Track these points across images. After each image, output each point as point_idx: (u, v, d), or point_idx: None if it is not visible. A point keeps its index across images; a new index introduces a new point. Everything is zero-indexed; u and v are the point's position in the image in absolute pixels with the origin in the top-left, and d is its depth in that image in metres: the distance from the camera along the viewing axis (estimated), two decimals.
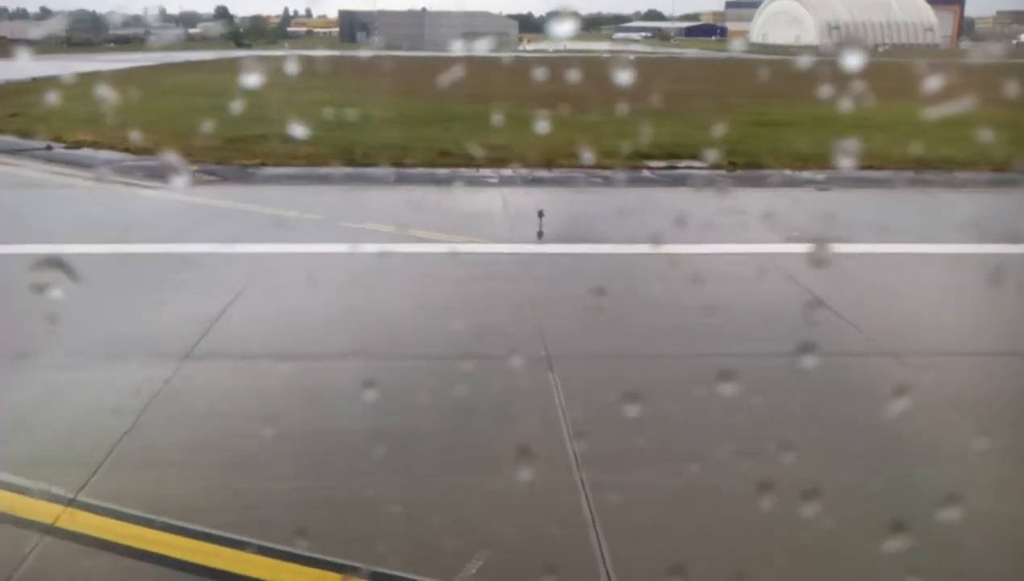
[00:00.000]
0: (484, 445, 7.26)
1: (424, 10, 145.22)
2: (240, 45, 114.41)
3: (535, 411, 7.79)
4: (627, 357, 9.19)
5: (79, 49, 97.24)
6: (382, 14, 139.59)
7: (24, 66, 48.83)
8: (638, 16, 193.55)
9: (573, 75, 39.02)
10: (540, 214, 15.02)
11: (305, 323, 9.99)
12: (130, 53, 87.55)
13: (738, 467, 6.66)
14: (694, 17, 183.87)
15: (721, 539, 6.02)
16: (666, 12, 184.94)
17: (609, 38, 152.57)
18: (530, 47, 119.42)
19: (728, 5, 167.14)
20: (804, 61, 59.55)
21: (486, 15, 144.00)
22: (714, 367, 8.20)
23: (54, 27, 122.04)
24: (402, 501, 6.27)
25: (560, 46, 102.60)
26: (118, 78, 47.75)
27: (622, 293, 11.41)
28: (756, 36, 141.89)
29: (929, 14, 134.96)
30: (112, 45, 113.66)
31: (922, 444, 7.35)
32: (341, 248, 13.04)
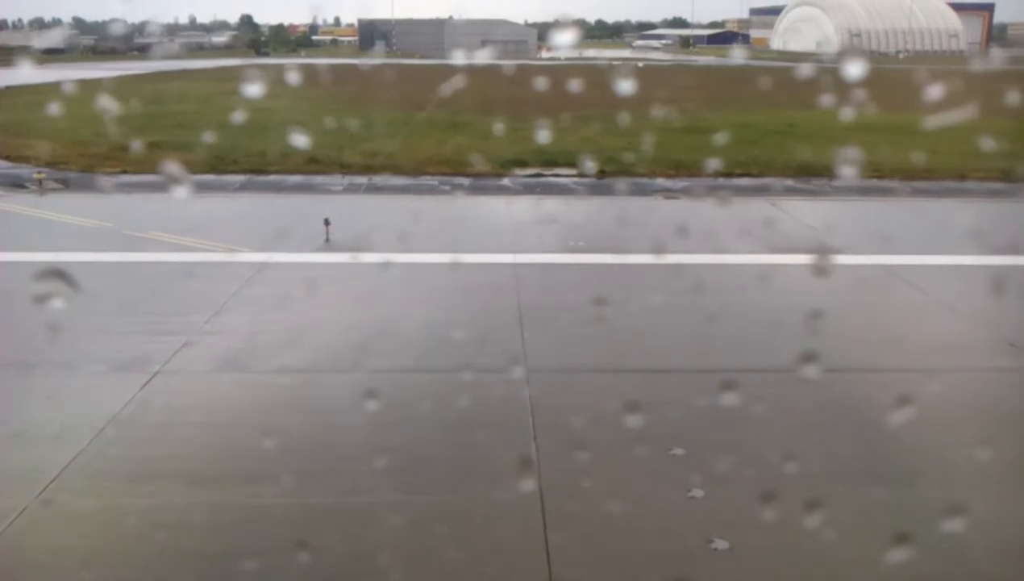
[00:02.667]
0: None
1: (451, 17, 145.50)
2: (259, 53, 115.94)
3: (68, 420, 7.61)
4: (252, 372, 8.94)
5: (101, 57, 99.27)
6: (400, 23, 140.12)
7: (16, 74, 49.91)
8: (665, 23, 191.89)
9: (548, 83, 38.65)
10: (326, 222, 14.88)
11: None
12: (144, 62, 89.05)
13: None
14: (719, 25, 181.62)
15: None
16: (692, 20, 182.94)
17: (629, 46, 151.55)
18: (547, 55, 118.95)
19: (752, 12, 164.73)
20: (802, 69, 58.34)
21: (505, 23, 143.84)
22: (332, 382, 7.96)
23: (78, 37, 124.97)
24: None
25: (576, 54, 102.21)
26: (91, 87, 48.28)
27: (322, 302, 11.19)
28: (777, 43, 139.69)
29: (954, 20, 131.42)
30: (135, 54, 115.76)
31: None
32: (86, 257, 13.00)
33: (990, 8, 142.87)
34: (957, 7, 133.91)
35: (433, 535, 6.16)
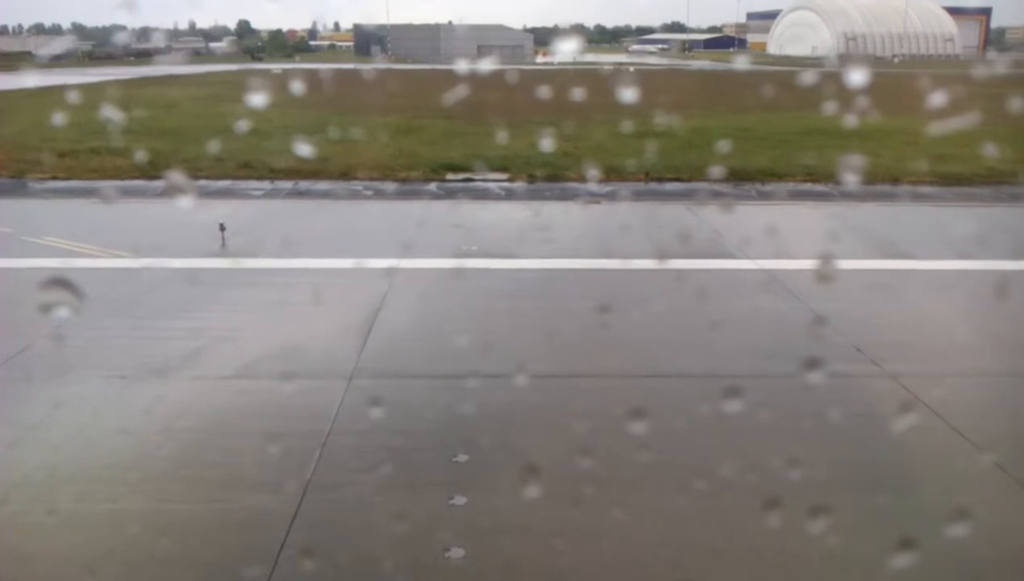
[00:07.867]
0: None
1: (450, 22, 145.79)
2: (254, 59, 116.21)
3: None
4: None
5: (96, 63, 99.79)
6: (397, 28, 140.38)
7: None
8: (664, 28, 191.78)
9: (526, 88, 38.55)
10: (222, 228, 14.90)
11: None
12: (136, 68, 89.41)
13: None
14: (717, 29, 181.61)
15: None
16: (690, 25, 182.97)
17: (626, 50, 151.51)
18: (542, 60, 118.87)
19: (749, 16, 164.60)
20: (787, 73, 58.25)
21: (502, 28, 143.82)
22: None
23: (75, 43, 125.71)
24: None
25: (570, 59, 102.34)
26: (63, 93, 48.46)
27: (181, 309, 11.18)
28: (774, 48, 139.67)
29: (949, 24, 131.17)
30: (131, 60, 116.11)
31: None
32: None
33: (987, 12, 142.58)
34: (954, 11, 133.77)
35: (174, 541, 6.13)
